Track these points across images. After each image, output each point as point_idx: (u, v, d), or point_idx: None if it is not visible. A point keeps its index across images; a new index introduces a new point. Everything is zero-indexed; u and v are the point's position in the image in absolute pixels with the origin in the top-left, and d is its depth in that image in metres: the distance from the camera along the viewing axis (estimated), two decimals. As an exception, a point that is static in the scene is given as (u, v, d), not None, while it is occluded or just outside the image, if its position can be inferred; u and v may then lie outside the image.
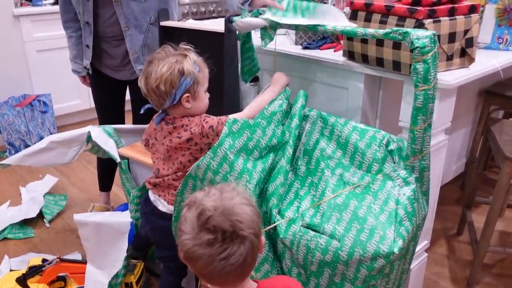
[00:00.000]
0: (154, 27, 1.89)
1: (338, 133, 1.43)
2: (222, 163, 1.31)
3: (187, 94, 1.32)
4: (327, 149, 1.44)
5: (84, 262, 1.77)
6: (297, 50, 1.80)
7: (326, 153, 1.43)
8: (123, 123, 2.18)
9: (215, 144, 1.31)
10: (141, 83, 1.35)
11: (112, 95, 2.11)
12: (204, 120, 1.34)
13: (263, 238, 0.96)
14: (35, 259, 1.78)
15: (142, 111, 1.44)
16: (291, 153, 1.40)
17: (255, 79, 2.00)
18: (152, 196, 1.48)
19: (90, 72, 2.00)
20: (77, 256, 2.05)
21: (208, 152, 1.31)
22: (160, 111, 1.41)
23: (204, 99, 1.38)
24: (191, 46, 1.38)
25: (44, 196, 2.46)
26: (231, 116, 1.36)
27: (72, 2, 1.90)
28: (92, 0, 1.80)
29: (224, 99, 1.61)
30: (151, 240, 1.56)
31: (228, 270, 0.88)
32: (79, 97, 3.48)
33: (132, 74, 1.99)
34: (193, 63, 1.32)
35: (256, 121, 1.38)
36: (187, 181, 1.37)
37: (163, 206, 1.44)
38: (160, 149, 1.43)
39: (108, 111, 2.14)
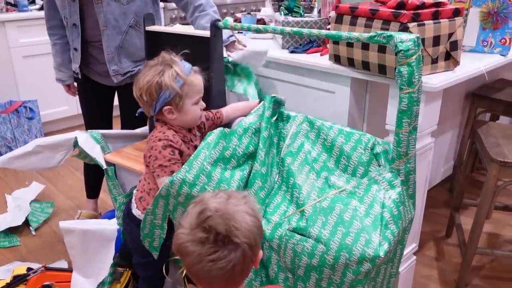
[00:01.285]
0: (133, 30, 1.88)
1: (323, 136, 1.43)
2: (199, 175, 1.28)
3: (168, 107, 1.31)
4: (312, 152, 1.44)
5: (70, 270, 1.74)
6: (284, 54, 1.80)
7: (311, 156, 1.43)
8: (111, 128, 2.16)
9: (190, 157, 1.29)
10: (132, 89, 1.35)
11: (100, 101, 2.09)
12: (164, 147, 1.31)
13: (261, 252, 0.95)
14: (20, 268, 1.75)
15: (137, 114, 1.44)
16: (263, 156, 1.39)
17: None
18: (133, 197, 1.48)
19: (79, 76, 1.98)
20: (63, 264, 2.02)
21: (183, 166, 1.28)
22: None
23: (190, 111, 1.35)
24: (183, 52, 1.36)
25: (30, 203, 2.42)
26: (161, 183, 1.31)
27: (57, 7, 1.88)
28: (77, 0, 1.79)
29: (211, 103, 1.60)
30: (128, 244, 1.55)
31: (214, 273, 0.87)
32: (66, 103, 3.45)
33: (119, 80, 1.97)
34: (175, 76, 1.28)
35: (231, 130, 1.37)
36: (158, 201, 1.34)
37: (134, 208, 1.44)
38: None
39: (95, 117, 2.12)
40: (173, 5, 3.79)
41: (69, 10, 1.83)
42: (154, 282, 1.53)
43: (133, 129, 1.99)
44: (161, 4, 3.75)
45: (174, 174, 1.28)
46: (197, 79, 1.34)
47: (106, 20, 1.81)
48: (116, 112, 2.15)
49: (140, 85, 1.30)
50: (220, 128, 1.36)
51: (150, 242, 1.42)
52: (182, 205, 1.31)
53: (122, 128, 2.10)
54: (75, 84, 2.11)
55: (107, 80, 1.98)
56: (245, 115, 1.53)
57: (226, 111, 1.57)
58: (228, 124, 1.65)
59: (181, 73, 1.30)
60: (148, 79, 1.28)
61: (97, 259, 1.65)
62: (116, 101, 2.12)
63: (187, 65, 1.34)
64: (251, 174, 1.38)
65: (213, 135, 1.34)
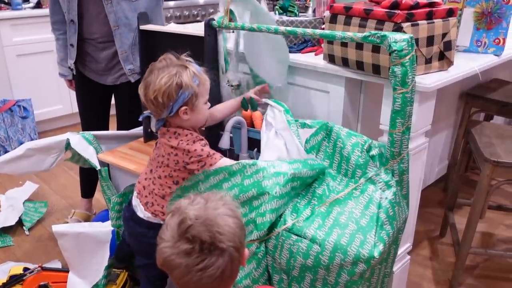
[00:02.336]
0: None
1: (325, 144, 1.43)
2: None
3: (185, 107, 1.30)
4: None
5: (66, 270, 1.73)
6: (278, 53, 1.79)
7: None
8: (107, 128, 2.15)
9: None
10: (140, 91, 1.33)
11: (97, 99, 2.08)
12: (198, 141, 1.33)
13: (246, 251, 0.94)
14: (16, 268, 1.74)
15: (140, 119, 1.43)
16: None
17: (238, 84, 2.00)
18: (134, 201, 1.46)
19: (74, 72, 1.97)
20: (57, 264, 2.01)
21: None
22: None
23: (203, 110, 1.36)
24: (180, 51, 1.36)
25: (24, 203, 2.41)
26: (222, 162, 1.33)
27: (59, 1, 1.87)
28: None
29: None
30: (131, 246, 1.54)
31: (205, 281, 0.86)
32: (60, 102, 3.43)
33: (117, 79, 1.96)
34: (192, 76, 1.29)
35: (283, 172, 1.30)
36: (220, 171, 1.33)
37: (141, 211, 1.42)
38: (156, 150, 1.41)
39: (91, 115, 2.11)
40: (169, 3, 3.81)
41: (67, 7, 1.82)
42: (157, 282, 1.53)
43: (130, 128, 1.99)
44: (156, 3, 3.75)
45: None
46: (207, 78, 1.36)
47: (117, 19, 1.81)
48: (112, 111, 2.14)
49: (156, 87, 1.27)
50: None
51: None
52: (241, 189, 1.30)
53: (118, 128, 2.09)
54: None
55: (102, 78, 1.98)
56: (231, 113, 1.55)
57: (211, 112, 1.57)
58: (220, 124, 1.65)
59: (197, 72, 1.31)
60: (166, 81, 1.26)
61: (92, 261, 1.64)
62: (112, 100, 2.12)
63: (197, 65, 1.35)
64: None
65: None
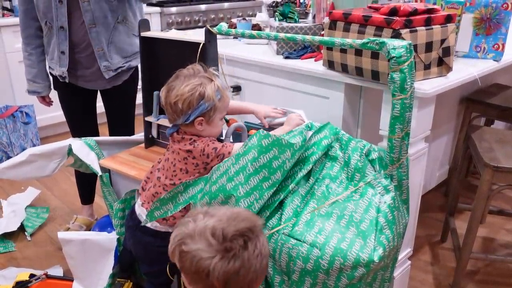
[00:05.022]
0: (121, 25, 1.90)
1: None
2: (239, 172, 1.26)
3: (201, 118, 1.32)
4: (317, 162, 1.41)
5: (70, 279, 1.73)
6: (279, 60, 1.80)
7: (316, 166, 1.41)
8: (98, 134, 2.16)
9: (239, 152, 1.28)
10: (162, 94, 1.35)
11: (83, 105, 2.08)
12: (210, 140, 1.35)
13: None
14: (23, 274, 1.74)
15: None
16: (300, 176, 1.35)
17: (237, 89, 2.01)
18: (138, 209, 1.46)
19: (67, 80, 1.96)
20: (58, 270, 2.01)
21: (230, 157, 1.30)
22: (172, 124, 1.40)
23: (218, 125, 1.38)
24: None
25: (25, 208, 2.42)
26: (236, 147, 1.35)
27: (35, 14, 1.87)
28: (65, 2, 1.79)
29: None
30: (134, 254, 1.54)
31: (265, 263, 0.93)
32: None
33: (107, 83, 1.97)
34: (216, 89, 1.31)
35: (289, 142, 1.30)
36: (199, 182, 1.34)
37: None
38: (169, 156, 1.41)
39: (78, 122, 2.11)
40: (171, 9, 3.84)
41: (55, 13, 1.82)
42: (163, 287, 1.54)
43: (122, 132, 2.00)
44: (158, 9, 3.77)
45: (224, 160, 1.31)
46: (229, 96, 1.39)
47: (94, 18, 1.82)
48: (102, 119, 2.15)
49: (179, 93, 1.29)
50: (278, 135, 1.31)
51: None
52: (210, 196, 1.30)
53: (110, 133, 2.10)
54: (50, 94, 2.09)
55: (92, 84, 1.98)
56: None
57: None
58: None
59: (221, 87, 1.33)
60: (190, 88, 1.28)
61: (96, 269, 1.64)
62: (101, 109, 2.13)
63: (221, 81, 1.37)
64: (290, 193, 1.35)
65: (268, 140, 1.27)
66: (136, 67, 2.03)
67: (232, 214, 0.92)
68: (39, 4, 1.84)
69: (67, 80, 1.96)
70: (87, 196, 2.29)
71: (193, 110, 1.30)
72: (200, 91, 1.29)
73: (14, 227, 2.27)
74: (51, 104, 2.15)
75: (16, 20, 3.12)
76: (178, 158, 1.37)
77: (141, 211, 1.45)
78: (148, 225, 1.42)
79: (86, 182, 2.23)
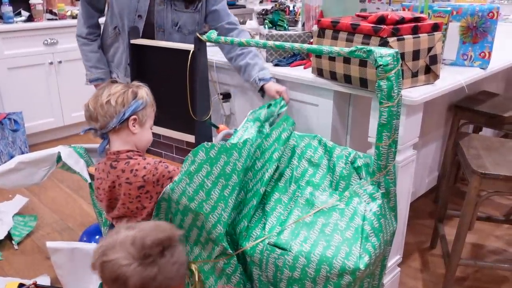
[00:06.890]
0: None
1: (311, 153, 1.43)
2: (198, 190, 1.24)
3: (135, 116, 1.29)
4: (298, 168, 1.43)
5: (59, 288, 1.71)
6: (268, 67, 1.81)
7: (297, 173, 1.42)
8: None
9: (192, 170, 1.24)
10: (89, 102, 1.30)
11: None
12: (155, 168, 1.28)
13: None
14: (12, 284, 1.72)
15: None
16: (268, 177, 1.36)
17: (227, 96, 2.01)
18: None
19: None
20: (46, 279, 1.98)
21: (183, 177, 1.24)
22: (103, 138, 1.34)
23: (148, 131, 1.36)
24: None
25: (13, 216, 2.38)
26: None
27: (115, 15, 1.84)
28: (142, 29, 1.82)
29: (197, 114, 1.61)
30: None
31: (182, 271, 0.94)
32: (52, 115, 3.42)
33: None
34: (147, 93, 1.34)
35: (232, 144, 1.31)
36: (160, 205, 1.31)
37: None
38: (104, 184, 1.33)
39: None
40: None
41: (137, 5, 1.80)
42: None
43: None
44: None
45: (176, 180, 1.25)
46: (154, 110, 1.38)
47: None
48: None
49: (111, 92, 1.27)
50: (222, 142, 1.31)
51: None
52: (181, 213, 1.29)
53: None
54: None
55: None
56: None
57: None
58: (209, 137, 1.66)
59: (150, 94, 1.35)
60: (121, 88, 1.29)
61: (85, 279, 1.62)
62: None
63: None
64: (252, 192, 1.35)
65: (214, 150, 1.26)
66: None
67: (152, 225, 0.95)
68: (122, 14, 1.82)
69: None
70: None
71: (127, 107, 1.27)
72: (133, 89, 1.30)
73: (1, 235, 2.23)
74: None
75: (5, 27, 3.13)
76: (129, 200, 1.30)
77: None
78: None
79: None
